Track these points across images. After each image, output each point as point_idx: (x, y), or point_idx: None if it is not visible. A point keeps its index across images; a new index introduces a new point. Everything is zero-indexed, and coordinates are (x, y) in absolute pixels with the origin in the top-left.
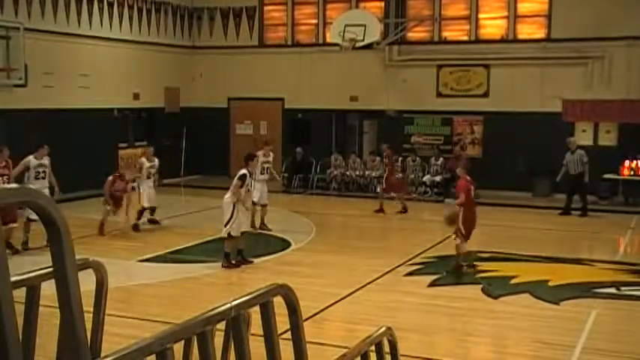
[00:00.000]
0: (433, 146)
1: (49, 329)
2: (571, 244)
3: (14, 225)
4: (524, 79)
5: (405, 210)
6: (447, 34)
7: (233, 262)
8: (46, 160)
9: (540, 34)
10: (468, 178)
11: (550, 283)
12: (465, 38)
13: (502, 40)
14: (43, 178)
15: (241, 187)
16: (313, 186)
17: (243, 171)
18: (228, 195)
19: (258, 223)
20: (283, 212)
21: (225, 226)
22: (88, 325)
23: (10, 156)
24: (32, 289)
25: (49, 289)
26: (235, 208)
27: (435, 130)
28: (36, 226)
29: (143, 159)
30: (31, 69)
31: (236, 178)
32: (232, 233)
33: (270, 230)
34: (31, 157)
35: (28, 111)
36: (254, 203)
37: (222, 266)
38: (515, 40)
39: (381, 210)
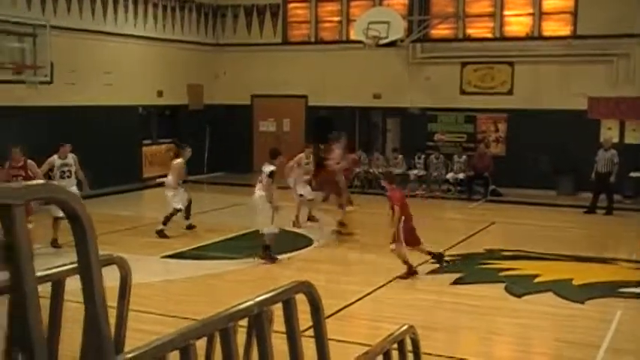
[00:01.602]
0: (456, 144)
1: (73, 324)
2: (596, 243)
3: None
4: (549, 77)
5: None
6: (471, 32)
7: (271, 254)
8: (70, 159)
9: (565, 31)
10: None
11: (574, 282)
12: (490, 35)
13: (527, 38)
14: (69, 177)
15: (272, 184)
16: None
17: (272, 168)
18: (259, 193)
19: (302, 218)
20: (306, 209)
21: (272, 223)
22: (112, 321)
23: (35, 153)
24: (57, 284)
25: (73, 285)
26: (269, 205)
27: (458, 128)
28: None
29: (180, 160)
30: (57, 66)
31: (265, 175)
32: (273, 229)
33: (317, 221)
34: (55, 157)
35: (53, 108)
36: (301, 195)
37: (261, 258)
38: (540, 38)
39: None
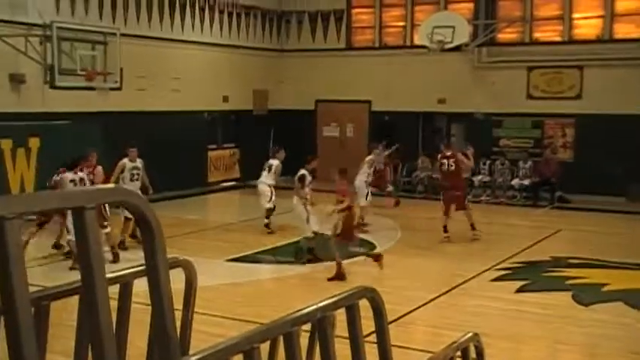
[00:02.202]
0: (522, 149)
1: (139, 325)
2: None
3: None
4: (620, 81)
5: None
6: (539, 35)
7: (317, 256)
8: (139, 163)
9: (639, 33)
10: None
11: None
12: (558, 39)
13: (597, 41)
14: (137, 180)
15: (302, 187)
16: (399, 188)
17: (302, 171)
18: (295, 198)
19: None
20: (368, 214)
21: (308, 223)
22: (177, 323)
23: (107, 158)
24: (125, 285)
25: (141, 286)
26: (306, 206)
27: (524, 133)
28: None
29: (277, 161)
30: (126, 73)
31: (296, 179)
32: (315, 229)
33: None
34: (125, 160)
35: (122, 113)
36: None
37: (302, 261)
38: (612, 40)
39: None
